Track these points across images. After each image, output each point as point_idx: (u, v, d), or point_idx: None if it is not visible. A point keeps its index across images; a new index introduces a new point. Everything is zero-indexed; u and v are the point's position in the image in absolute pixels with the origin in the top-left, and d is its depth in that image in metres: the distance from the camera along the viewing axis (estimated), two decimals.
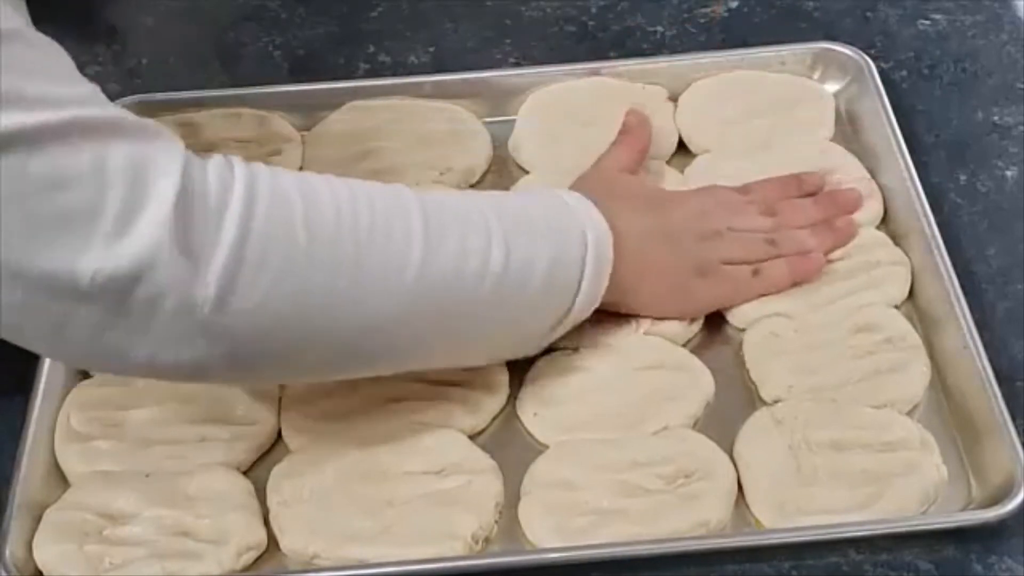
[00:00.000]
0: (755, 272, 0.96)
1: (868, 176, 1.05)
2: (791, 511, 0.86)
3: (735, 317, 0.97)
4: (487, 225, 0.84)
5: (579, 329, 0.93)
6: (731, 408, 0.93)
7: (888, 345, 0.93)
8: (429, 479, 0.89)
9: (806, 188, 1.02)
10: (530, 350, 0.93)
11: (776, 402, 0.92)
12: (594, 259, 0.88)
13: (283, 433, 0.93)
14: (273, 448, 0.93)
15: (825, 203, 1.01)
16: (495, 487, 0.88)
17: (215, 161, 0.77)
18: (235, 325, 0.76)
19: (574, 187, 0.96)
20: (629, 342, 0.96)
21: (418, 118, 1.11)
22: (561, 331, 0.91)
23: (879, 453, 0.88)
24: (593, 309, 0.91)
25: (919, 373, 0.92)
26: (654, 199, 0.98)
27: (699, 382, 0.93)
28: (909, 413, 0.91)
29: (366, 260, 0.79)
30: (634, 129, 1.04)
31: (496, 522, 0.87)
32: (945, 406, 0.92)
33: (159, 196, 0.72)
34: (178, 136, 0.77)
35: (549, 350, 0.95)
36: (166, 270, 0.72)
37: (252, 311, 0.76)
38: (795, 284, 0.96)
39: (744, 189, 1.01)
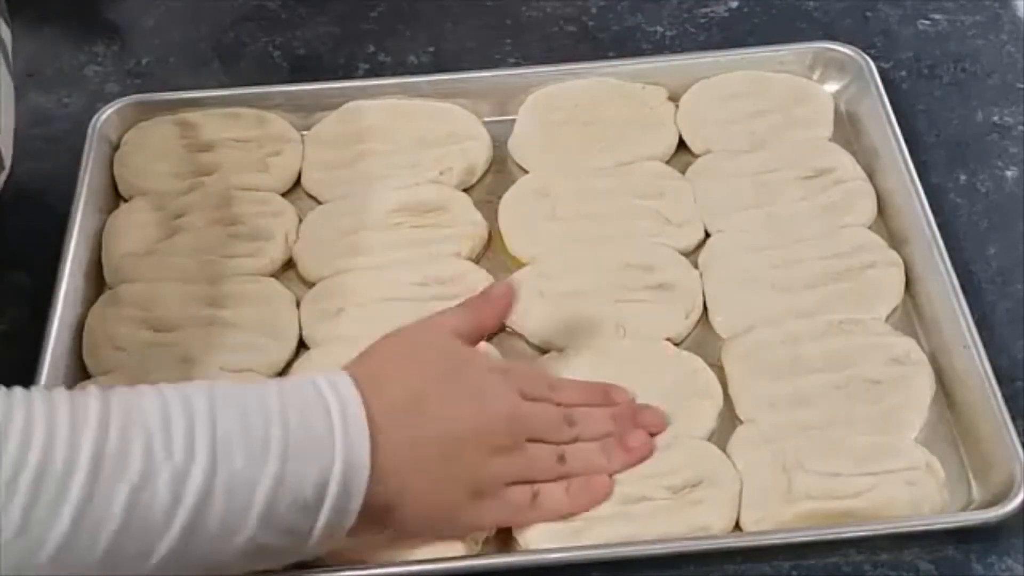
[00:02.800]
0: (535, 496, 0.85)
1: (864, 176, 1.05)
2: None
3: (718, 324, 0.97)
4: (189, 435, 0.72)
5: (582, 330, 0.94)
6: (726, 411, 0.93)
7: (893, 363, 0.93)
8: None
9: (607, 401, 0.91)
10: (285, 561, 0.80)
11: (751, 421, 0.91)
12: (337, 494, 0.76)
13: None
14: None
15: (623, 418, 0.89)
16: None
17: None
18: None
19: (377, 348, 0.84)
20: (634, 347, 0.96)
21: (418, 118, 1.11)
22: (314, 551, 0.79)
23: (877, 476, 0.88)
24: (343, 534, 0.78)
25: (922, 394, 0.92)
26: (464, 390, 0.84)
27: (711, 394, 0.93)
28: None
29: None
30: (493, 298, 0.91)
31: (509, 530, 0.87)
32: (945, 406, 0.92)
33: None
34: None
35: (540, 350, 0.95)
36: None
37: None
38: (572, 514, 0.86)
39: (554, 385, 0.90)
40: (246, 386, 0.78)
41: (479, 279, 1.00)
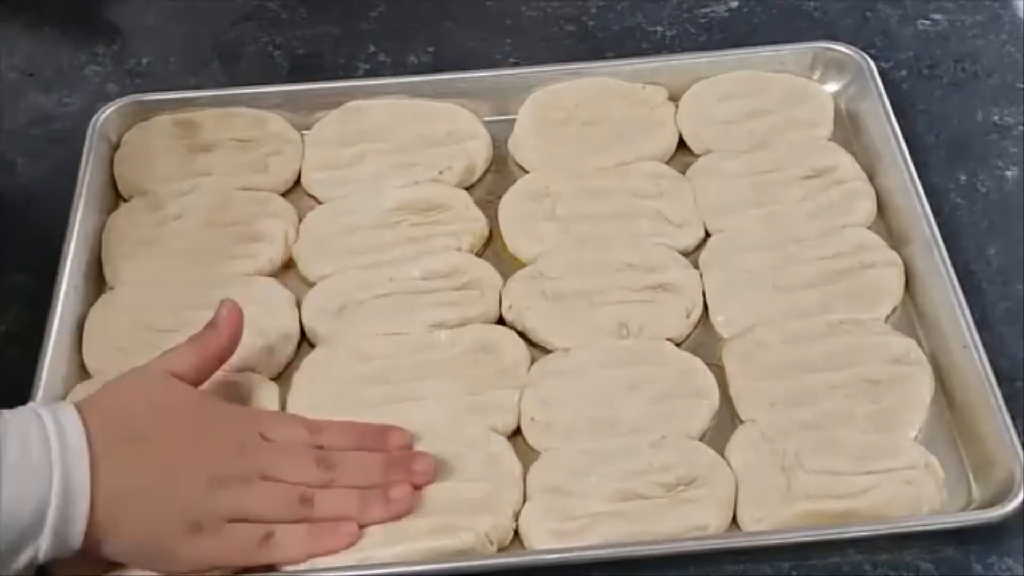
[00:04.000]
0: (266, 536, 0.83)
1: (864, 176, 1.05)
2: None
3: (718, 324, 0.97)
4: None
5: (584, 330, 0.94)
6: (727, 411, 0.93)
7: (892, 363, 0.93)
8: (450, 486, 0.88)
9: (382, 445, 0.88)
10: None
11: (752, 421, 0.92)
12: (57, 521, 0.77)
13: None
14: None
15: (394, 467, 0.87)
16: (516, 494, 0.88)
17: None
18: None
19: (102, 390, 0.86)
20: (636, 347, 0.96)
21: (418, 118, 1.11)
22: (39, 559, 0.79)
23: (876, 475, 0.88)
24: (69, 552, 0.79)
25: (922, 393, 0.92)
26: (187, 423, 0.84)
27: (707, 394, 0.93)
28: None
29: None
30: (217, 326, 0.89)
31: (515, 530, 0.87)
32: (945, 406, 0.92)
33: None
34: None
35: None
36: None
37: None
38: (312, 557, 0.84)
39: (315, 427, 0.88)
40: None
41: (481, 272, 1.00)
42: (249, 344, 0.96)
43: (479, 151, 1.09)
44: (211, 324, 0.90)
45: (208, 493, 0.82)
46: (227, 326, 0.89)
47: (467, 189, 1.07)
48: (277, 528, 0.84)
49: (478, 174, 1.09)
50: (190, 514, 0.82)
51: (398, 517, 0.86)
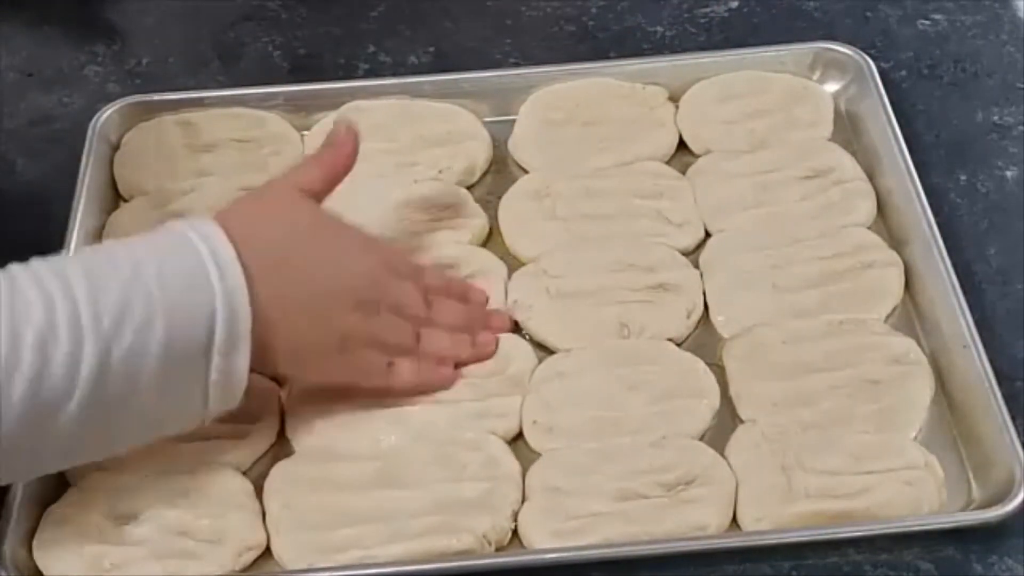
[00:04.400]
0: (389, 366, 0.90)
1: (864, 176, 1.05)
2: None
3: (719, 324, 0.97)
4: (75, 322, 0.76)
5: (586, 330, 0.95)
6: (727, 411, 0.93)
7: (892, 363, 0.93)
8: (449, 486, 0.89)
9: (464, 297, 0.97)
10: (188, 426, 0.85)
11: (752, 421, 0.92)
12: (224, 340, 0.81)
13: (288, 432, 0.93)
14: (273, 448, 0.93)
15: (475, 315, 0.96)
16: (514, 494, 0.88)
17: None
18: None
19: (236, 207, 0.87)
20: (637, 347, 0.96)
21: (418, 118, 1.11)
22: (212, 412, 0.84)
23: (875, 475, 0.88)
24: (241, 387, 0.84)
25: (922, 393, 0.92)
26: (326, 248, 0.88)
27: (708, 394, 0.93)
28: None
29: None
30: (337, 144, 0.93)
31: (513, 530, 0.87)
32: (945, 406, 0.92)
33: None
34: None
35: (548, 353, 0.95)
36: None
37: None
38: (418, 392, 0.92)
39: (416, 270, 0.95)
40: (119, 254, 0.81)
41: (486, 261, 1.00)
42: None
43: (479, 151, 1.09)
44: (329, 143, 0.93)
45: (353, 316, 0.88)
46: (346, 142, 0.93)
47: (467, 189, 1.07)
48: (396, 360, 0.90)
49: (478, 174, 1.09)
50: (338, 334, 0.88)
51: (482, 360, 0.94)
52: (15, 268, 0.78)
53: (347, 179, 1.06)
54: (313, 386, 0.91)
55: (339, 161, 0.92)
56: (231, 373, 0.82)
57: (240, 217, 0.85)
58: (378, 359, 0.90)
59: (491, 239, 1.04)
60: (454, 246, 1.02)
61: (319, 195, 0.91)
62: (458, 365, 0.93)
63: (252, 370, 0.83)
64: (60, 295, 0.76)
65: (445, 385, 0.92)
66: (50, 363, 0.75)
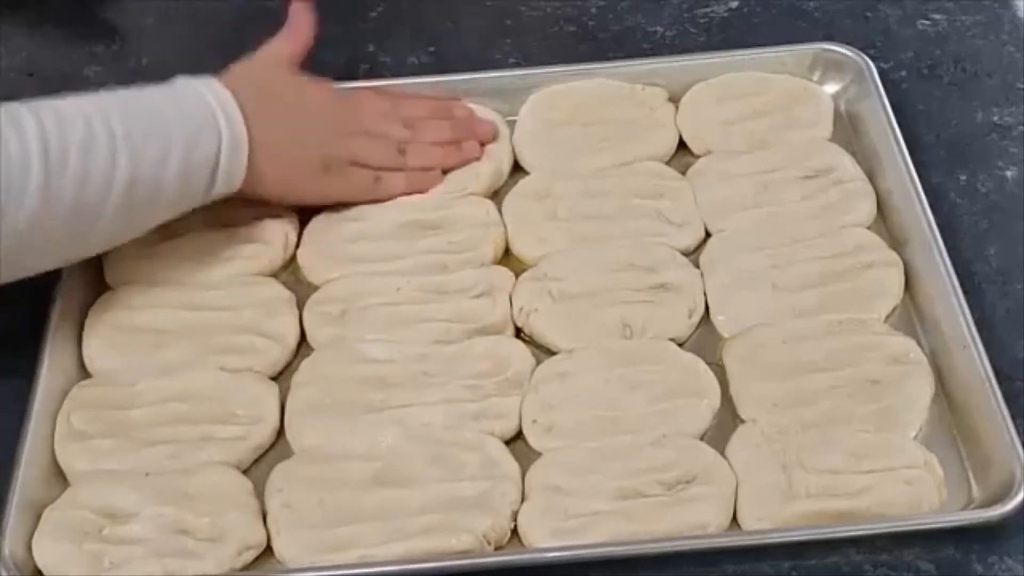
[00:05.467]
0: (376, 179, 1.05)
1: (864, 177, 1.05)
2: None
3: (719, 324, 0.97)
4: (111, 134, 0.91)
5: (588, 331, 0.95)
6: (727, 410, 0.93)
7: (892, 363, 0.93)
8: (448, 486, 0.89)
9: (449, 114, 1.09)
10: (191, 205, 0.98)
11: (752, 421, 0.92)
12: (228, 155, 0.96)
13: (288, 432, 0.93)
14: (273, 447, 0.93)
15: (461, 128, 1.09)
16: (514, 493, 0.88)
17: None
18: None
19: (232, 71, 1.02)
20: (637, 347, 0.96)
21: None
22: (213, 196, 0.98)
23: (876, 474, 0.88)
24: (234, 191, 0.98)
25: (922, 393, 0.92)
26: (303, 93, 1.05)
27: (708, 394, 0.93)
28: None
29: None
30: (297, 19, 1.07)
31: (512, 530, 0.87)
32: (945, 406, 0.92)
33: None
34: None
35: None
36: None
37: None
38: (409, 194, 1.05)
39: (398, 100, 1.09)
40: (147, 100, 0.98)
41: (496, 279, 1.00)
42: (249, 343, 0.96)
43: (503, 154, 1.09)
44: (289, 22, 1.07)
45: (333, 140, 1.04)
46: (303, 14, 1.07)
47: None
48: (382, 174, 1.05)
49: (504, 177, 1.08)
50: (320, 158, 1.03)
51: (469, 162, 1.07)
52: (50, 100, 0.92)
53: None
54: (307, 203, 1.05)
55: (302, 31, 1.06)
56: (232, 175, 0.97)
57: (234, 76, 1.01)
58: (364, 175, 1.05)
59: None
60: (466, 271, 1.01)
61: (294, 62, 1.05)
62: (448, 171, 1.07)
63: (247, 194, 0.99)
64: (98, 119, 0.91)
65: (432, 187, 1.06)
66: (92, 166, 0.90)
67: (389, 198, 1.05)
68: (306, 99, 1.05)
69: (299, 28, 1.07)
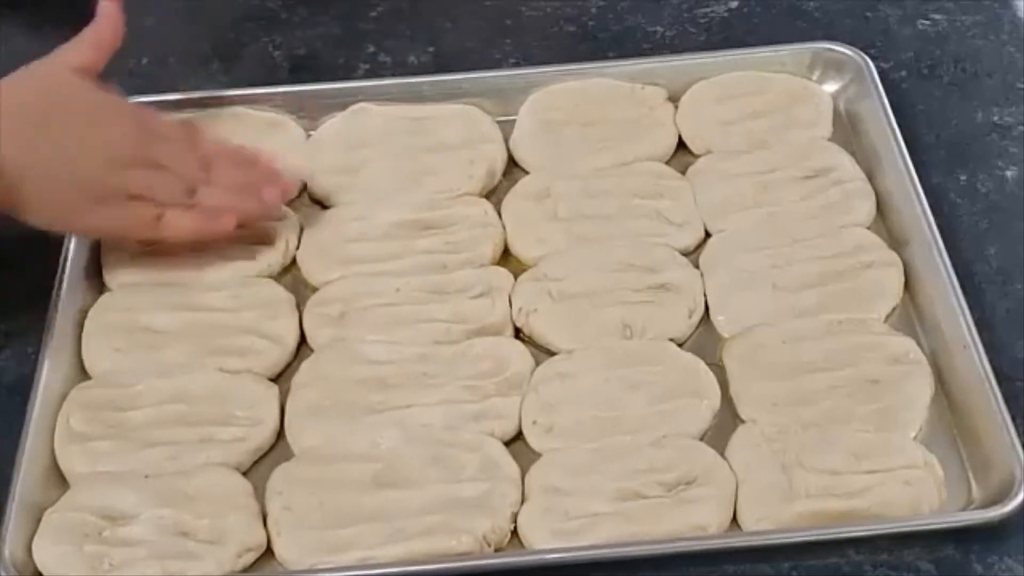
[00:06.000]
0: (158, 217, 0.96)
1: (863, 177, 1.05)
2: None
3: (719, 324, 0.97)
4: None
5: (589, 332, 0.95)
6: (727, 411, 0.93)
7: (892, 363, 0.93)
8: (448, 487, 0.89)
9: (254, 163, 1.01)
10: None
11: (753, 421, 0.92)
12: None
13: (288, 434, 0.93)
14: (273, 449, 0.93)
15: (260, 175, 1.00)
16: (514, 494, 0.88)
17: None
18: None
19: (13, 79, 0.94)
20: (636, 348, 0.96)
21: (429, 122, 1.10)
22: None
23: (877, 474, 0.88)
24: None
25: (922, 393, 0.92)
26: (92, 110, 0.96)
27: (708, 394, 0.93)
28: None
29: None
30: (104, 20, 0.99)
31: (512, 531, 0.87)
32: (945, 406, 0.92)
33: None
34: None
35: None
36: None
37: None
38: (197, 239, 0.98)
39: (198, 138, 1.01)
40: None
41: (495, 280, 1.00)
42: (248, 345, 0.96)
43: (496, 153, 1.08)
44: (95, 21, 0.98)
45: (107, 172, 0.94)
46: (110, 16, 0.98)
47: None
48: (168, 210, 0.96)
49: (498, 177, 1.08)
50: (91, 190, 0.94)
51: (268, 215, 1.00)
52: None
53: (353, 186, 1.06)
54: (79, 233, 0.99)
55: (106, 36, 0.98)
56: None
57: (10, 83, 0.93)
58: (143, 212, 0.95)
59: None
60: (466, 270, 1.01)
61: (91, 69, 0.97)
62: (246, 225, 0.99)
63: (9, 216, 0.91)
64: None
65: (223, 231, 0.97)
66: None
67: (173, 239, 0.97)
68: (94, 117, 0.95)
69: (103, 31, 0.98)
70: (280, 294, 1.00)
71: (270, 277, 1.02)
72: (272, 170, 1.01)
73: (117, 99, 0.98)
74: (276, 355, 0.97)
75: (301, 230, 1.05)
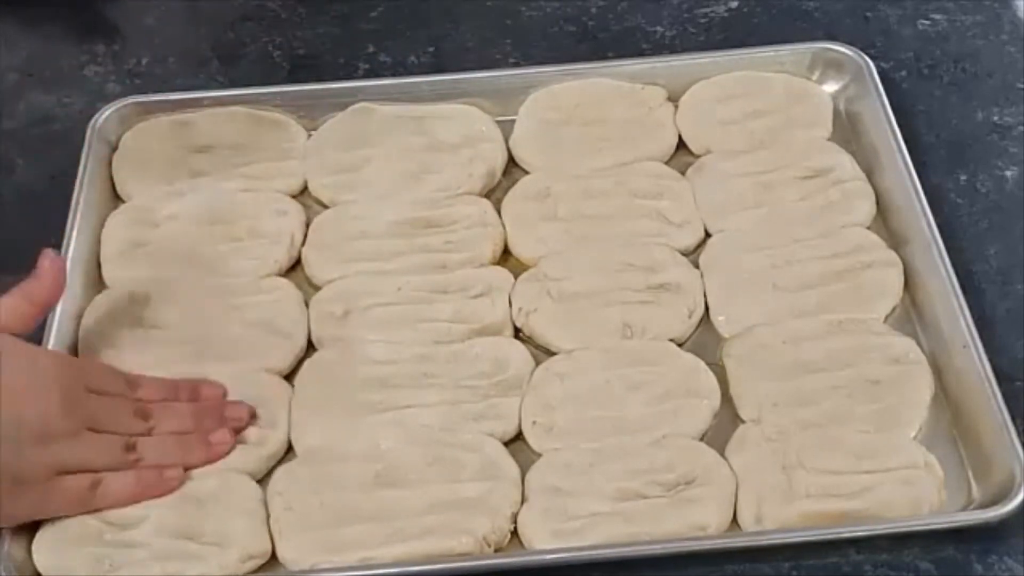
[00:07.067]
0: (93, 485, 0.86)
1: (863, 177, 1.05)
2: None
3: (719, 324, 0.97)
4: None
5: (589, 332, 0.95)
6: (727, 411, 0.93)
7: (892, 363, 0.93)
8: (448, 487, 0.89)
9: (195, 397, 0.93)
10: None
11: (753, 421, 0.92)
12: None
13: (291, 433, 0.93)
14: (286, 457, 0.93)
15: (208, 414, 0.91)
16: (514, 495, 0.88)
17: None
18: None
19: None
20: (637, 348, 0.96)
21: (430, 122, 1.10)
22: None
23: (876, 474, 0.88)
24: None
25: (922, 393, 0.92)
26: (10, 385, 0.84)
27: (708, 394, 0.93)
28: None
29: None
30: (44, 273, 0.91)
31: (512, 531, 0.87)
32: (945, 406, 0.92)
33: None
34: None
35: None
36: None
37: None
38: (138, 500, 0.88)
39: (133, 381, 0.92)
40: None
41: (494, 280, 1.00)
42: (261, 342, 0.96)
43: (496, 154, 1.08)
44: (35, 275, 0.90)
45: (30, 450, 0.84)
46: (50, 274, 0.90)
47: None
48: (105, 476, 0.87)
49: (498, 177, 1.08)
50: (10, 472, 0.83)
51: (219, 459, 0.90)
52: None
53: (354, 185, 1.06)
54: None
55: (43, 293, 0.90)
56: None
57: None
58: (75, 483, 0.86)
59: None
60: (466, 269, 1.01)
61: (22, 331, 0.88)
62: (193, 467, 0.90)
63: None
64: None
65: (171, 490, 0.88)
66: None
67: (114, 506, 0.87)
68: (12, 392, 0.83)
69: (42, 286, 0.90)
70: (291, 291, 1.00)
71: (277, 274, 1.02)
72: (218, 406, 0.92)
73: (43, 362, 0.88)
74: (285, 352, 0.97)
75: (307, 226, 1.04)
